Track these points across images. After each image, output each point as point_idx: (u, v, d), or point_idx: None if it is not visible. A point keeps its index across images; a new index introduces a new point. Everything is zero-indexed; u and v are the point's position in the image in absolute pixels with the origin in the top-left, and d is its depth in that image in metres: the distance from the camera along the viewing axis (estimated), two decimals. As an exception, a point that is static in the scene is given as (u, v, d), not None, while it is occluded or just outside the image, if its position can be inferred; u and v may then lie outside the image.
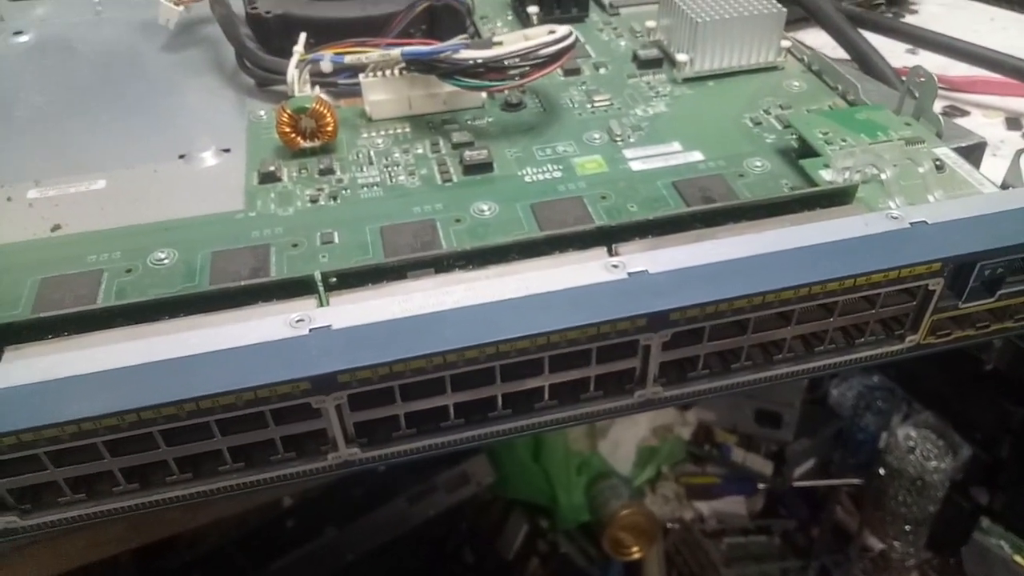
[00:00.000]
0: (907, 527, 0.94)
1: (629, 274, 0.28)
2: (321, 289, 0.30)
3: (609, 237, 0.31)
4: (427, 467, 0.92)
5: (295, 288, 0.30)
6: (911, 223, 0.30)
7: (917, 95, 0.40)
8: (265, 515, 0.88)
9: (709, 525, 0.98)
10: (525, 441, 0.95)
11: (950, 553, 0.93)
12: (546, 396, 0.30)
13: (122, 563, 0.81)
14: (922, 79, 0.39)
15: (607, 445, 1.00)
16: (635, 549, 0.92)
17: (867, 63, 0.52)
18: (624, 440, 1.01)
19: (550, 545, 0.97)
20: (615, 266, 0.28)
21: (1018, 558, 0.85)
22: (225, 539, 0.86)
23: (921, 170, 0.34)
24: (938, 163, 0.35)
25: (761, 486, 1.00)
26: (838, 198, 0.33)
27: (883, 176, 0.33)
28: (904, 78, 0.41)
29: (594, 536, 0.95)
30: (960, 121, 0.51)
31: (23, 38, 0.57)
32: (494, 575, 0.94)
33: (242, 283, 0.30)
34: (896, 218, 0.30)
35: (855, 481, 0.99)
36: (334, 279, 0.30)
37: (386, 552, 0.89)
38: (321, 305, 0.29)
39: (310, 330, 0.26)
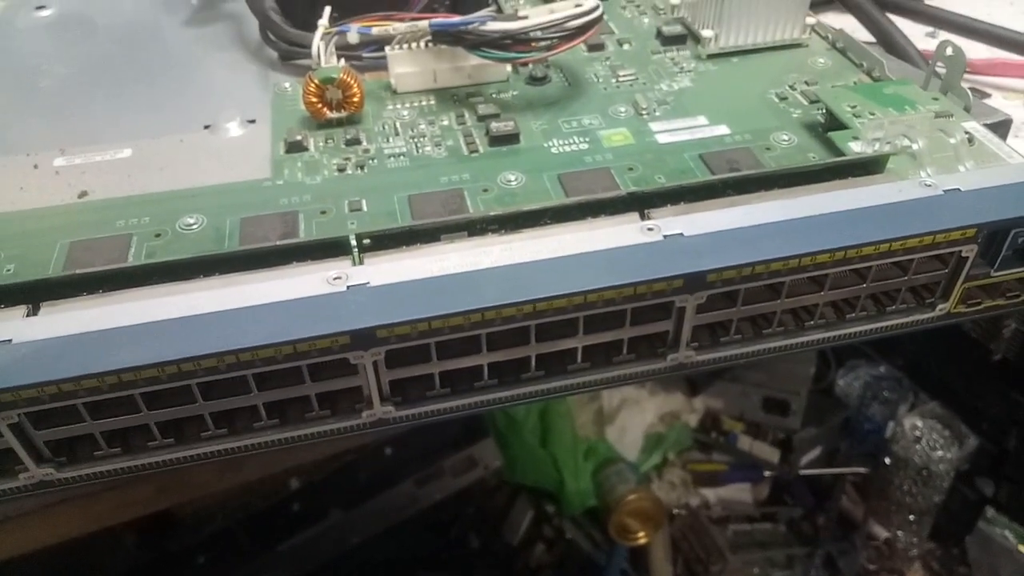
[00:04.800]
0: (911, 516, 0.94)
1: (665, 236, 0.28)
2: (355, 250, 0.30)
3: (641, 203, 0.31)
4: (434, 451, 0.92)
5: (329, 249, 0.30)
6: (945, 191, 0.30)
7: (944, 69, 0.40)
8: (271, 497, 0.88)
9: (715, 512, 0.99)
10: (533, 426, 0.95)
11: (954, 543, 0.93)
12: (579, 358, 0.30)
13: (126, 545, 0.81)
14: (950, 53, 0.39)
15: (614, 431, 1.01)
16: (641, 534, 0.92)
17: (891, 43, 0.52)
18: (631, 426, 1.01)
19: (556, 530, 0.97)
20: (650, 229, 0.28)
21: (1022, 547, 0.85)
22: (230, 521, 0.86)
23: (952, 141, 0.34)
24: (968, 136, 0.35)
25: (767, 474, 1.00)
26: (869, 167, 0.33)
27: (914, 147, 0.33)
28: (931, 59, 0.41)
29: (600, 521, 0.95)
30: (980, 103, 0.51)
31: (45, 12, 0.57)
32: (499, 560, 0.94)
33: (276, 243, 0.30)
34: (930, 185, 0.30)
35: (861, 470, 0.99)
36: (368, 241, 0.30)
37: (391, 535, 0.89)
38: (355, 265, 0.29)
39: (348, 287, 0.26)
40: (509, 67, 0.45)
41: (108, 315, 0.25)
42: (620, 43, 0.49)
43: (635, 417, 1.02)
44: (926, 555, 0.94)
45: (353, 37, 0.43)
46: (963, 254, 0.30)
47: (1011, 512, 0.86)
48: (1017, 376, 0.82)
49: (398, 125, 0.42)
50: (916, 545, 0.94)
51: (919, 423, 0.94)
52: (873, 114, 0.38)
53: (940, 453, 0.92)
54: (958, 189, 0.30)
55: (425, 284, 0.26)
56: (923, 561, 0.94)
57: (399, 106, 0.44)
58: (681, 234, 0.28)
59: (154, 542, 0.83)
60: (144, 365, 0.24)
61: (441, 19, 0.42)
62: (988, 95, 0.56)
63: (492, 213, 0.31)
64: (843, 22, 0.57)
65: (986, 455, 0.91)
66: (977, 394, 0.91)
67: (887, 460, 0.95)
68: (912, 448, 0.93)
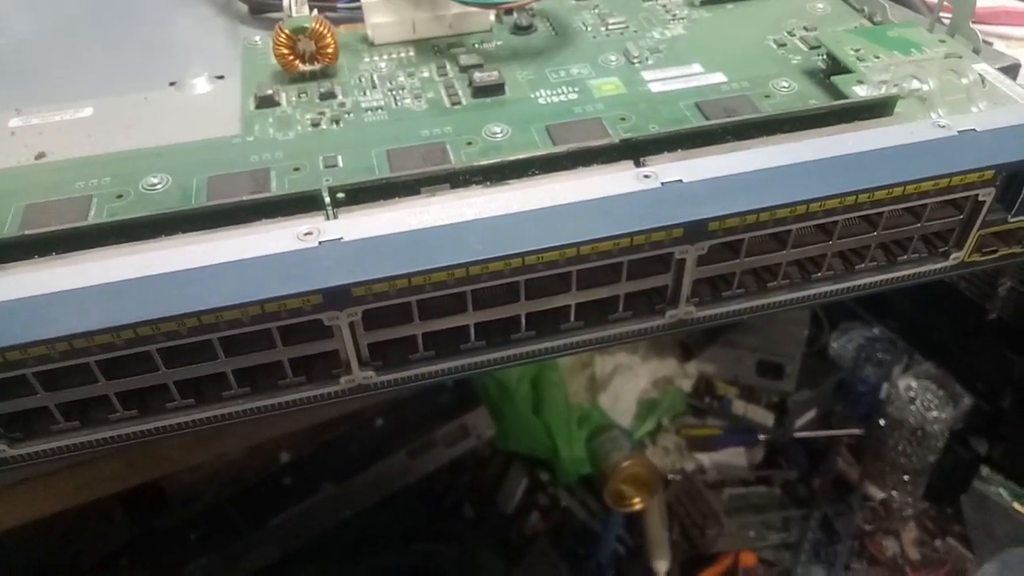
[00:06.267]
0: (906, 477, 0.94)
1: (663, 183, 0.26)
2: (329, 205, 0.28)
3: (635, 151, 0.29)
4: (426, 421, 0.91)
5: (301, 204, 0.28)
6: (959, 131, 0.28)
7: (951, 15, 0.38)
8: (261, 472, 0.87)
9: (710, 476, 0.98)
10: (525, 394, 0.94)
11: (949, 503, 0.93)
12: (572, 316, 0.28)
13: (116, 522, 0.80)
14: (959, -9, 0.37)
15: (607, 398, 0.99)
16: (636, 501, 0.91)
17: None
18: (624, 393, 1.00)
19: (550, 498, 0.96)
20: (647, 176, 0.26)
21: (1017, 505, 0.85)
22: (220, 496, 0.85)
23: (965, 82, 0.32)
24: (980, 77, 0.33)
25: (762, 437, 0.99)
26: (877, 110, 0.31)
27: (924, 88, 0.31)
28: (934, 6, 0.39)
29: (595, 489, 0.94)
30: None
31: (0, -34, 0.54)
32: (494, 529, 0.93)
33: (243, 199, 0.27)
34: (943, 127, 0.28)
35: (856, 432, 0.99)
36: (342, 195, 0.28)
37: (385, 507, 0.88)
38: (329, 220, 0.27)
39: (320, 243, 0.24)
40: (492, 15, 0.43)
41: (58, 277, 0.23)
42: (609, -11, 0.47)
43: (628, 383, 1.01)
44: (921, 515, 0.94)
45: (326, -16, 0.40)
46: (980, 198, 0.28)
47: (1006, 470, 0.86)
48: (1012, 335, 0.81)
49: (375, 78, 0.40)
50: (911, 505, 0.94)
51: (913, 384, 0.93)
52: (878, 57, 0.36)
53: (935, 413, 0.91)
54: (974, 129, 0.28)
55: (404, 238, 0.24)
56: (918, 521, 0.94)
57: (376, 58, 0.41)
58: (680, 181, 0.26)
59: (144, 519, 0.82)
60: (96, 330, 0.22)
61: (419, -37, 0.39)
62: (990, 43, 0.54)
63: (475, 164, 0.29)
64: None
65: (980, 414, 0.90)
66: (971, 354, 0.91)
67: (882, 421, 0.94)
68: (907, 409, 0.92)
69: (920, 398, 0.92)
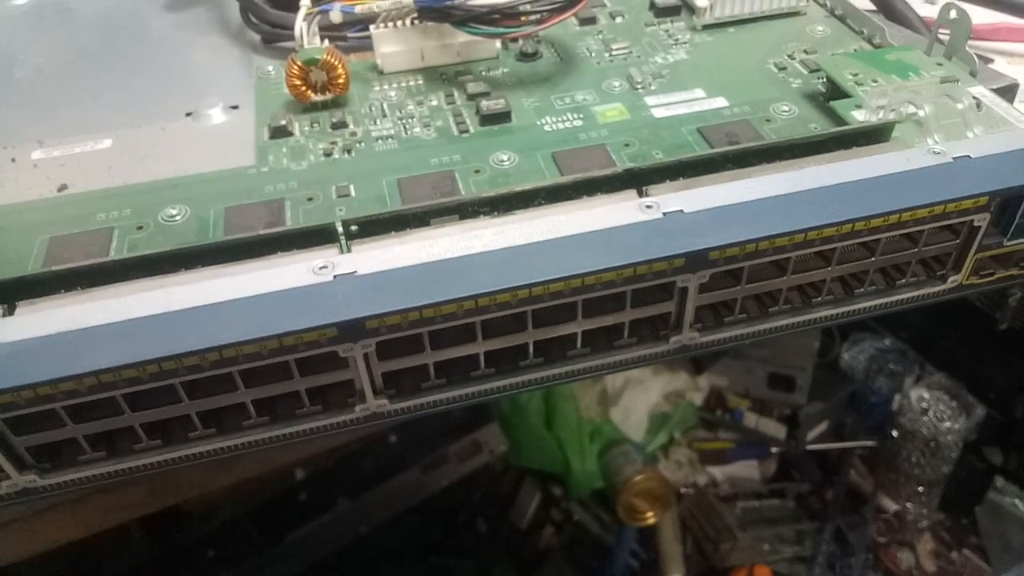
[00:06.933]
0: (920, 488, 0.94)
1: (664, 214, 0.27)
2: (342, 238, 0.29)
3: (638, 180, 0.30)
4: (439, 437, 0.92)
5: (315, 237, 0.29)
6: (954, 158, 0.29)
7: (949, 33, 0.39)
8: (277, 488, 0.88)
9: (723, 489, 0.98)
10: (537, 409, 0.95)
11: (963, 513, 0.93)
12: (579, 343, 0.29)
13: (135, 539, 0.81)
14: (954, 16, 0.38)
15: (619, 412, 1.00)
16: (649, 515, 0.92)
17: (891, 9, 0.50)
18: (636, 407, 1.01)
19: (564, 513, 0.96)
20: (649, 207, 0.27)
21: (1033, 516, 0.84)
22: (238, 513, 0.86)
23: (960, 106, 0.32)
24: (975, 101, 0.34)
25: (774, 450, 0.99)
26: (874, 136, 0.32)
27: (920, 113, 0.32)
28: (933, 25, 0.40)
29: (608, 503, 0.94)
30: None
31: (20, 0, 0.55)
32: (508, 544, 0.94)
33: (260, 232, 0.28)
34: (938, 153, 0.29)
35: (868, 443, 0.99)
36: (355, 227, 0.29)
37: (399, 523, 0.89)
38: (342, 253, 0.28)
39: (334, 276, 0.25)
40: (498, 43, 0.44)
41: (85, 314, 0.24)
42: (612, 16, 0.48)
43: (640, 397, 1.01)
44: (936, 526, 0.94)
45: (336, 16, 0.42)
46: (975, 223, 0.29)
47: (1021, 481, 0.86)
48: (1023, 345, 0.81)
49: (385, 106, 0.41)
50: (926, 516, 0.94)
51: (926, 394, 0.93)
52: (876, 81, 0.37)
53: (947, 424, 0.91)
54: (968, 156, 0.29)
55: (415, 271, 0.25)
56: (933, 532, 0.94)
57: (386, 87, 0.42)
58: (681, 211, 0.27)
59: (163, 536, 0.83)
60: (122, 365, 0.23)
61: (427, -5, 0.40)
62: (991, 60, 0.55)
63: (483, 195, 0.30)
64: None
65: (994, 424, 0.90)
66: (983, 364, 0.91)
67: (894, 433, 0.94)
68: (919, 420, 0.92)
69: (933, 409, 0.92)
